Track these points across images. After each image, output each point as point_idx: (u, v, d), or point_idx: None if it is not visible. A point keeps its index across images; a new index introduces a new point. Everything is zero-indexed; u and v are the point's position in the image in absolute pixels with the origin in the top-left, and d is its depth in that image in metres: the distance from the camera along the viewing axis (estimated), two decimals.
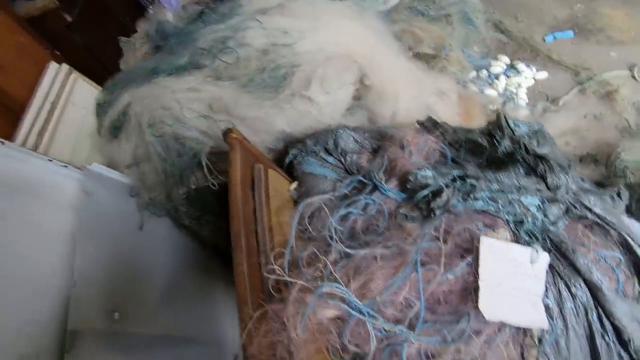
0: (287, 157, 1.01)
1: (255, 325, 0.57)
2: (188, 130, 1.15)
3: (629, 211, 1.25)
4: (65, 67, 1.36)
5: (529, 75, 1.99)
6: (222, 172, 1.13)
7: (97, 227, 1.13)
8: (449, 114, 1.47)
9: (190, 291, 1.22)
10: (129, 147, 1.18)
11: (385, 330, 0.65)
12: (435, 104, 1.53)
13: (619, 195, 0.85)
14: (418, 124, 1.09)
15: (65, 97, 1.34)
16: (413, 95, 1.41)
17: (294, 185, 0.94)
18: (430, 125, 1.04)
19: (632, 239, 0.75)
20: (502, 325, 0.65)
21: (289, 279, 0.64)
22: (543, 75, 1.99)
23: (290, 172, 1.00)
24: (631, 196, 1.38)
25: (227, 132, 0.81)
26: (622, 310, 0.65)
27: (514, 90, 1.99)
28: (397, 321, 0.65)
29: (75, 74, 1.40)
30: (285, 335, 0.59)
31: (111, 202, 1.22)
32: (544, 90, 2.00)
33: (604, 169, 1.62)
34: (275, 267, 0.67)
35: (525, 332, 0.67)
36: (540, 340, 0.64)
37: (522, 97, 1.96)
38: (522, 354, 0.66)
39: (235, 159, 0.78)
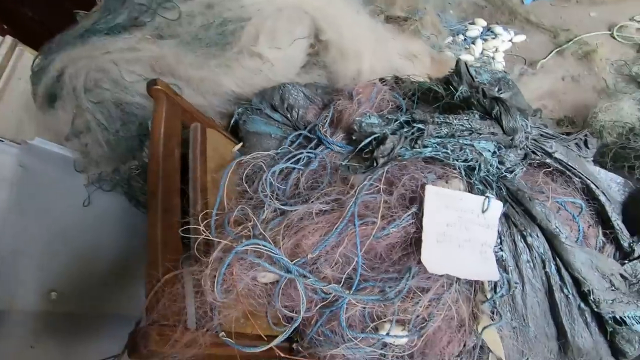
0: (233, 117, 0.93)
1: (165, 289, 0.50)
2: (130, 95, 1.05)
3: (603, 167, 1.21)
4: (9, 39, 1.27)
5: (506, 39, 1.91)
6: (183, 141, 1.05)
7: (36, 203, 1.05)
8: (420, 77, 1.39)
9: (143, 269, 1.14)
10: (67, 117, 1.08)
11: (323, 291, 0.59)
12: (405, 66, 1.45)
13: (585, 143, 0.79)
14: (381, 81, 1.01)
15: (9, 70, 1.25)
16: (379, 55, 1.33)
17: (238, 146, 0.86)
18: (392, 83, 0.96)
19: (596, 186, 0.69)
20: (450, 281, 0.58)
21: (212, 238, 0.57)
22: (521, 38, 1.91)
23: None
24: (606, 154, 1.33)
25: (150, 84, 0.72)
26: (580, 259, 0.60)
27: (491, 55, 1.91)
28: (336, 281, 0.59)
29: (22, 47, 1.30)
30: (202, 299, 0.53)
31: (54, 178, 1.14)
32: (521, 54, 1.94)
33: (582, 131, 1.57)
34: (201, 227, 0.60)
35: (477, 287, 0.61)
36: (493, 296, 0.58)
37: (500, 61, 1.89)
38: (473, 312, 0.60)
39: (160, 112, 0.70)
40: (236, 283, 0.55)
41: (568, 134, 1.15)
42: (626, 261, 0.67)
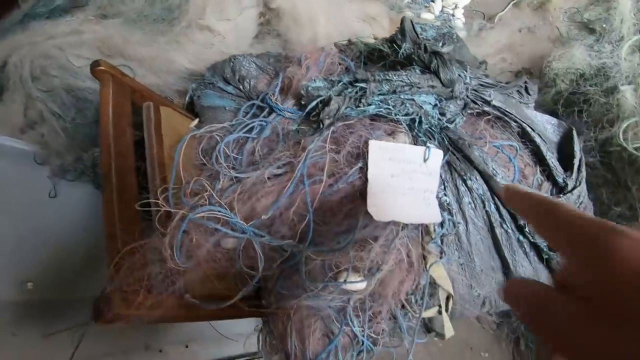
0: (188, 94, 0.93)
1: (125, 259, 0.52)
2: (80, 80, 1.03)
3: (555, 115, 1.26)
4: None
5: None
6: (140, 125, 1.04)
7: (1, 200, 1.04)
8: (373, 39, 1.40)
9: None
10: (18, 109, 1.05)
11: (281, 248, 0.63)
12: (363, 30, 1.45)
13: (526, 89, 0.83)
14: (336, 46, 1.02)
15: None
16: (335, 20, 1.32)
17: (194, 122, 0.87)
18: (344, 47, 0.97)
19: (532, 128, 0.74)
20: (398, 228, 0.63)
21: (169, 209, 0.60)
22: None
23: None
24: (559, 101, 1.39)
25: (94, 66, 0.71)
26: None
27: (451, 12, 1.92)
28: (293, 238, 0.63)
29: None
30: (164, 266, 0.56)
31: (15, 172, 1.12)
32: (480, 9, 1.95)
33: (538, 81, 1.63)
34: (159, 200, 0.62)
35: (423, 231, 0.66)
36: (437, 234, 0.64)
37: (459, 17, 1.90)
38: (422, 253, 0.66)
39: (106, 93, 0.70)
40: (197, 249, 0.58)
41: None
42: (561, 195, 0.73)
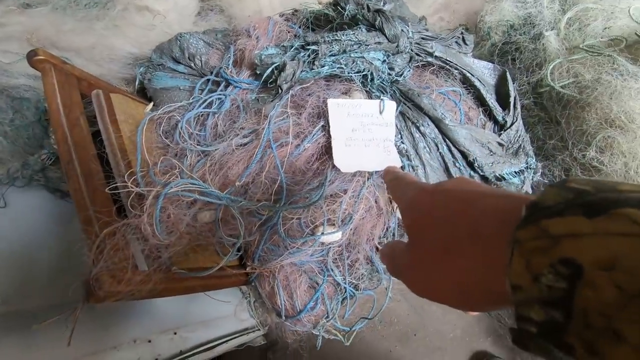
0: (136, 79, 0.90)
1: (106, 241, 0.53)
2: (13, 77, 0.96)
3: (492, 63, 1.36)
4: None
5: None
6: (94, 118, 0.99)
7: None
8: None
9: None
10: None
11: (258, 212, 0.66)
12: (306, 1, 1.45)
13: (463, 40, 0.90)
14: (281, 16, 1.02)
15: None
16: None
17: (149, 106, 0.85)
18: (289, 16, 0.97)
19: (471, 74, 0.81)
20: (364, 178, 0.68)
21: (141, 190, 0.60)
22: None
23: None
24: (494, 52, 1.49)
25: (31, 56, 0.67)
26: (462, 135, 0.72)
27: None
28: (268, 201, 0.66)
29: None
30: (147, 244, 0.57)
31: None
32: None
33: (474, 36, 1.73)
34: (128, 183, 0.62)
35: None
36: None
37: None
38: (389, 199, 0.72)
39: (50, 83, 0.67)
40: (177, 223, 0.59)
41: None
42: (502, 131, 0.81)
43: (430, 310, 1.24)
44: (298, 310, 0.67)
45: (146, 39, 0.98)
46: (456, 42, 0.88)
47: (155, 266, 0.55)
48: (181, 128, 0.69)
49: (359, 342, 1.19)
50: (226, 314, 0.99)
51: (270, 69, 0.69)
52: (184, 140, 0.68)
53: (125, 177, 0.64)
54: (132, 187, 0.62)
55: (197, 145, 0.69)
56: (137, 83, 0.90)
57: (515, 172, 0.77)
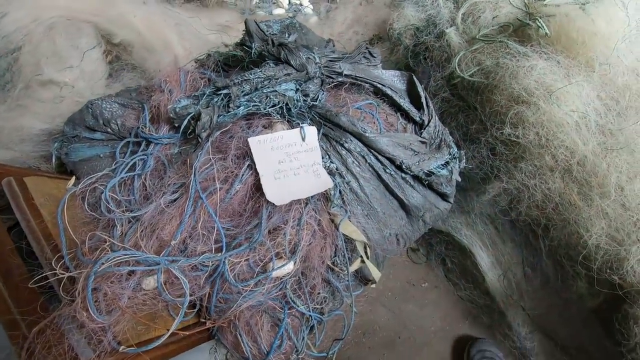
0: (53, 156, 0.86)
1: (37, 341, 0.49)
2: None
3: (408, 67, 1.45)
4: None
5: None
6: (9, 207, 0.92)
7: None
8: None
9: None
10: None
11: (202, 264, 0.64)
12: (221, 39, 1.47)
13: (370, 53, 0.95)
14: (196, 62, 1.03)
15: None
16: (188, 37, 1.32)
17: (71, 182, 0.81)
18: (205, 60, 0.98)
19: (382, 85, 0.86)
20: (302, 205, 0.69)
21: (70, 274, 0.57)
22: None
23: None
24: (408, 56, 1.59)
25: None
26: (384, 143, 0.76)
27: (299, 2, 2.04)
28: (210, 252, 0.65)
29: None
30: (84, 330, 0.53)
31: None
32: None
33: (388, 43, 1.84)
34: (57, 269, 0.59)
35: (324, 200, 0.73)
36: (335, 197, 0.71)
37: (307, 5, 2.03)
38: (330, 219, 0.73)
39: None
40: (115, 300, 0.57)
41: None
42: (423, 130, 0.87)
43: (407, 309, 1.26)
44: (265, 352, 0.66)
45: (57, 112, 0.95)
46: (364, 56, 0.93)
47: (99, 352, 0.52)
48: (105, 198, 0.66)
49: None
50: None
51: (186, 120, 0.69)
52: (110, 211, 0.65)
53: (53, 263, 0.60)
54: (60, 273, 0.58)
55: (125, 212, 0.67)
56: (54, 160, 0.86)
57: (441, 165, 0.82)
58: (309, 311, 0.72)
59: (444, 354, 1.22)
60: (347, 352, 1.19)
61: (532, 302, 1.12)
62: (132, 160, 0.71)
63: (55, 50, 0.93)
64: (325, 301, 0.75)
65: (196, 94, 0.73)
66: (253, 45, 0.82)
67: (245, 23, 0.90)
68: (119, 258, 0.55)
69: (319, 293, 0.74)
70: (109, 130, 0.81)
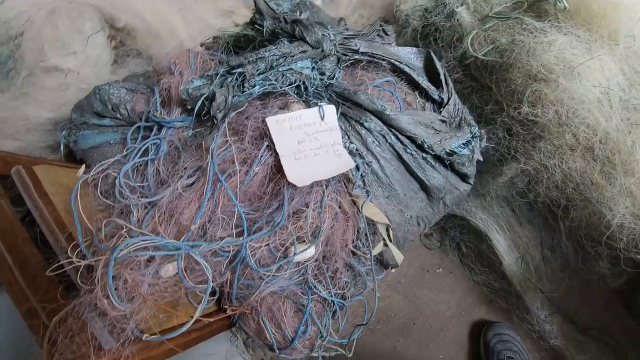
0: (61, 145, 0.83)
1: (58, 330, 0.47)
2: None
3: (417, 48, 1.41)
4: None
5: None
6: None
7: None
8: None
9: None
10: None
11: (222, 250, 0.62)
12: (225, 24, 1.43)
13: (384, 31, 0.92)
14: (202, 45, 1.00)
15: None
16: (193, 23, 1.29)
17: (81, 169, 0.79)
18: (212, 43, 0.95)
19: (399, 62, 0.83)
20: (323, 187, 0.67)
21: (87, 262, 0.55)
22: None
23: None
24: (417, 37, 1.55)
25: None
26: (405, 121, 0.73)
27: None
28: (231, 237, 0.63)
29: None
30: (108, 318, 0.51)
31: None
32: None
33: (395, 26, 1.80)
34: (73, 257, 0.56)
35: (345, 181, 0.71)
36: (357, 178, 0.69)
37: None
38: (352, 201, 0.71)
39: None
40: (136, 287, 0.54)
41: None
42: (442, 109, 0.84)
43: (422, 294, 1.25)
44: (290, 338, 0.64)
45: (62, 99, 0.92)
46: (378, 35, 0.90)
47: (122, 340, 0.50)
48: (120, 184, 0.64)
49: (362, 348, 1.17)
50: None
51: (200, 102, 0.66)
52: (125, 197, 0.63)
53: (69, 251, 0.58)
54: (77, 262, 0.56)
55: (141, 198, 0.64)
56: (62, 148, 0.83)
57: (462, 144, 0.79)
58: (331, 296, 0.70)
59: (460, 339, 1.21)
60: (362, 339, 1.18)
61: (552, 285, 1.10)
62: (144, 145, 0.69)
63: (58, 36, 0.90)
64: (346, 286, 0.73)
65: (209, 74, 0.70)
66: (265, 24, 0.79)
67: (255, 1, 0.86)
68: (139, 244, 0.53)
69: (340, 278, 0.72)
70: (118, 115, 0.78)
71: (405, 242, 0.82)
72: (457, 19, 1.32)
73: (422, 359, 1.20)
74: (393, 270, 0.81)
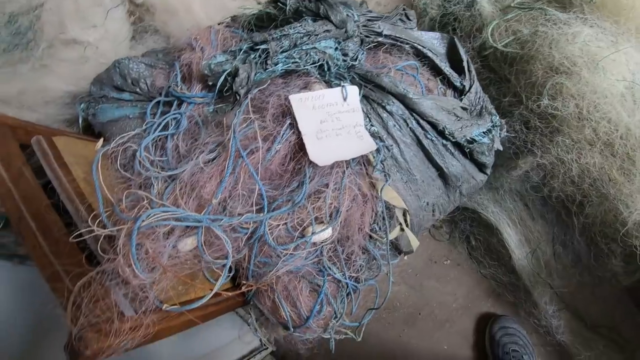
0: (79, 118, 0.83)
1: (82, 295, 0.47)
2: None
3: None
4: None
5: None
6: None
7: None
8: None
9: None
10: None
11: (241, 226, 0.62)
12: (243, 6, 1.42)
13: (406, 16, 0.91)
14: (219, 25, 0.99)
15: None
16: (211, 1, 1.27)
17: (100, 143, 0.79)
18: (232, 23, 0.94)
19: (422, 47, 0.81)
20: (343, 168, 0.66)
21: (108, 231, 0.55)
22: None
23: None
24: (435, 26, 1.53)
25: None
26: (428, 106, 0.72)
27: None
28: (249, 213, 0.62)
29: None
30: (129, 287, 0.52)
31: None
32: None
33: (414, 13, 1.77)
34: (94, 226, 0.57)
35: (365, 163, 0.70)
36: (377, 161, 0.68)
37: None
38: (371, 183, 0.70)
39: None
40: (157, 258, 0.55)
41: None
42: (463, 96, 0.83)
43: (429, 285, 1.25)
44: (305, 317, 0.64)
45: (81, 73, 0.92)
46: (400, 19, 0.89)
47: (144, 309, 0.50)
48: (140, 156, 0.64)
49: (367, 336, 1.17)
50: (229, 340, 0.93)
51: (222, 77, 0.66)
52: (146, 169, 0.63)
53: (89, 221, 0.58)
54: (98, 231, 0.56)
55: (162, 171, 0.64)
56: (80, 121, 0.83)
57: (483, 132, 0.79)
58: (346, 278, 0.70)
59: (465, 330, 1.21)
60: (367, 327, 1.18)
61: (562, 280, 1.09)
62: (164, 119, 0.68)
63: (77, 8, 0.89)
64: (361, 269, 0.73)
65: (232, 50, 0.69)
66: (288, 1, 0.78)
67: None
68: (162, 215, 0.53)
69: (355, 261, 0.72)
70: (137, 90, 0.78)
71: (420, 229, 0.82)
72: (478, 9, 1.30)
73: (426, 349, 1.21)
74: (405, 257, 0.81)
